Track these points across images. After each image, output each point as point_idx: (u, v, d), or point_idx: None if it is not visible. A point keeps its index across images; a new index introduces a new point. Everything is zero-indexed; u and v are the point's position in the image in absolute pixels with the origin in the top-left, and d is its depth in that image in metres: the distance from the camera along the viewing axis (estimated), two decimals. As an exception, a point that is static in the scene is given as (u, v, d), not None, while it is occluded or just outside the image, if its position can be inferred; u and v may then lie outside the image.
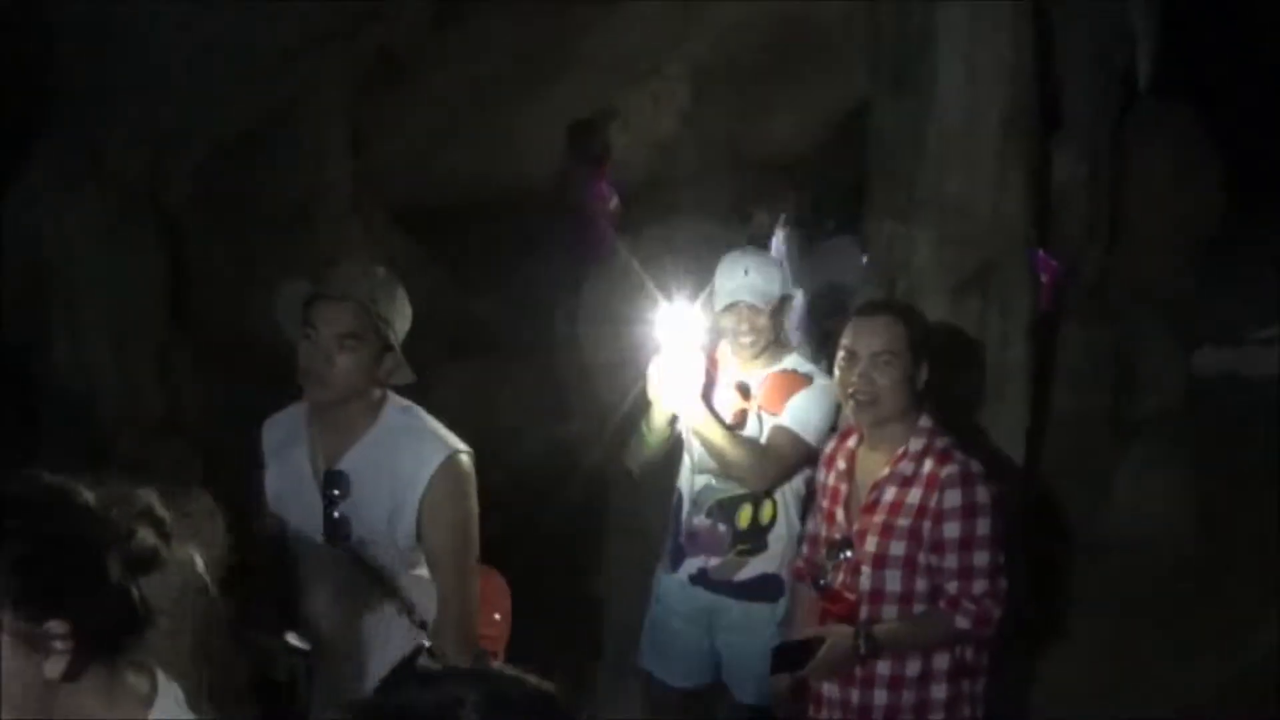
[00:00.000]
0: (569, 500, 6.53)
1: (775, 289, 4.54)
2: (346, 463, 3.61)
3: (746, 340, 4.53)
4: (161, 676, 2.10)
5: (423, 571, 3.68)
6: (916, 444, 3.84)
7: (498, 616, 3.97)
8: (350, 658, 3.67)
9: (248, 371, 6.58)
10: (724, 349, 4.68)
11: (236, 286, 6.84)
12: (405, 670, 1.80)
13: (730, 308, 4.51)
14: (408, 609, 3.67)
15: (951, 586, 3.74)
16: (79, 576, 1.92)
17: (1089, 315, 6.61)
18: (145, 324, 6.26)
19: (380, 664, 3.59)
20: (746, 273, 4.49)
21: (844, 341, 3.94)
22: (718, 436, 4.48)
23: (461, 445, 3.60)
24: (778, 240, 10.16)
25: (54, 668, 1.90)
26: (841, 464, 4.04)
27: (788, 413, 4.50)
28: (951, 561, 3.73)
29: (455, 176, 9.92)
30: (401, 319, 3.60)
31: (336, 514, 3.60)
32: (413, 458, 3.54)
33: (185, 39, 6.11)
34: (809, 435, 4.45)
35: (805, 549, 4.25)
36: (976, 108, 5.36)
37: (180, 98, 6.31)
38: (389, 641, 3.64)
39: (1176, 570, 6.14)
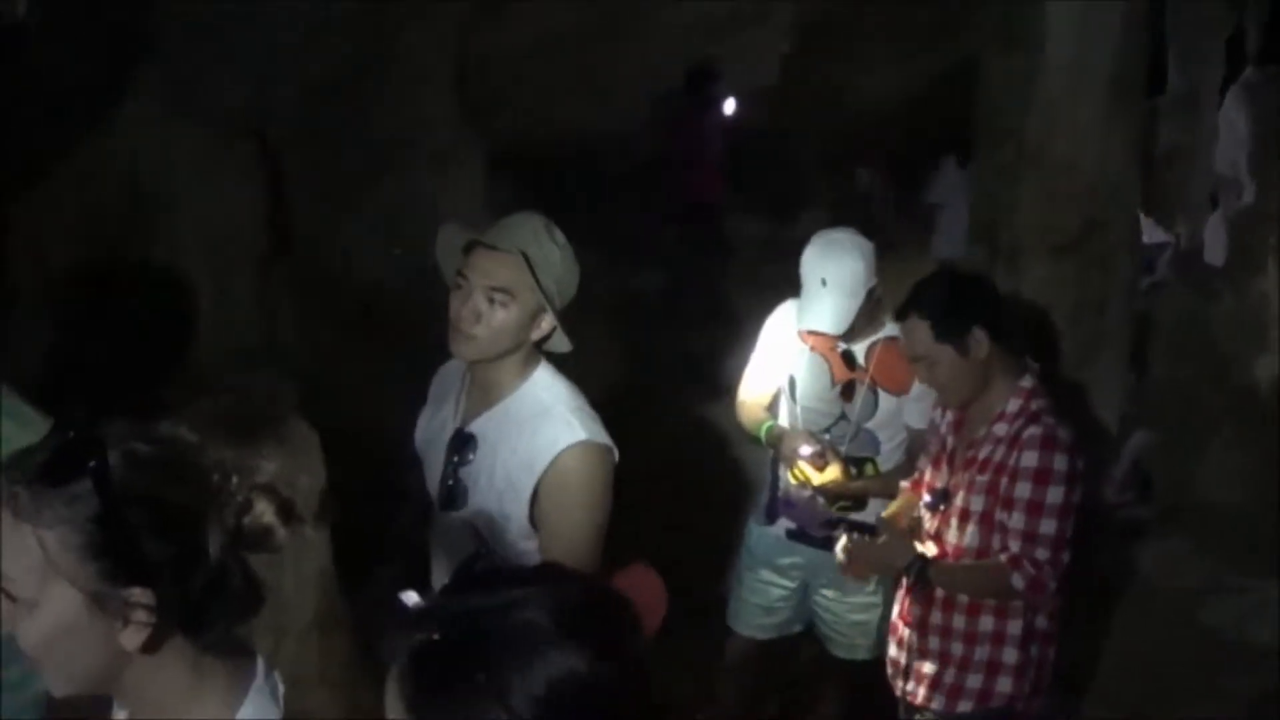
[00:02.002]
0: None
1: (860, 283, 4.32)
2: (478, 426, 3.32)
3: (838, 337, 4.40)
4: (262, 664, 1.93)
5: None
6: (1014, 405, 3.83)
7: None
8: None
9: (346, 305, 6.66)
10: None
11: (335, 220, 6.89)
12: (465, 573, 1.66)
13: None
14: None
15: (1015, 545, 3.73)
16: (171, 544, 1.74)
17: (1188, 283, 6.56)
18: (245, 255, 6.31)
19: None
20: (824, 283, 4.30)
21: None
22: (877, 487, 4.49)
23: (600, 436, 3.21)
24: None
25: (131, 638, 1.74)
26: (950, 415, 4.06)
27: (917, 409, 4.39)
28: (1018, 522, 3.72)
29: (556, 120, 9.93)
30: (564, 282, 3.25)
31: (453, 480, 3.34)
32: (536, 438, 3.18)
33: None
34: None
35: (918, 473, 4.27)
36: (1085, 69, 5.31)
37: (282, 30, 6.33)
38: None
39: (1257, 543, 6.09)
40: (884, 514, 4.30)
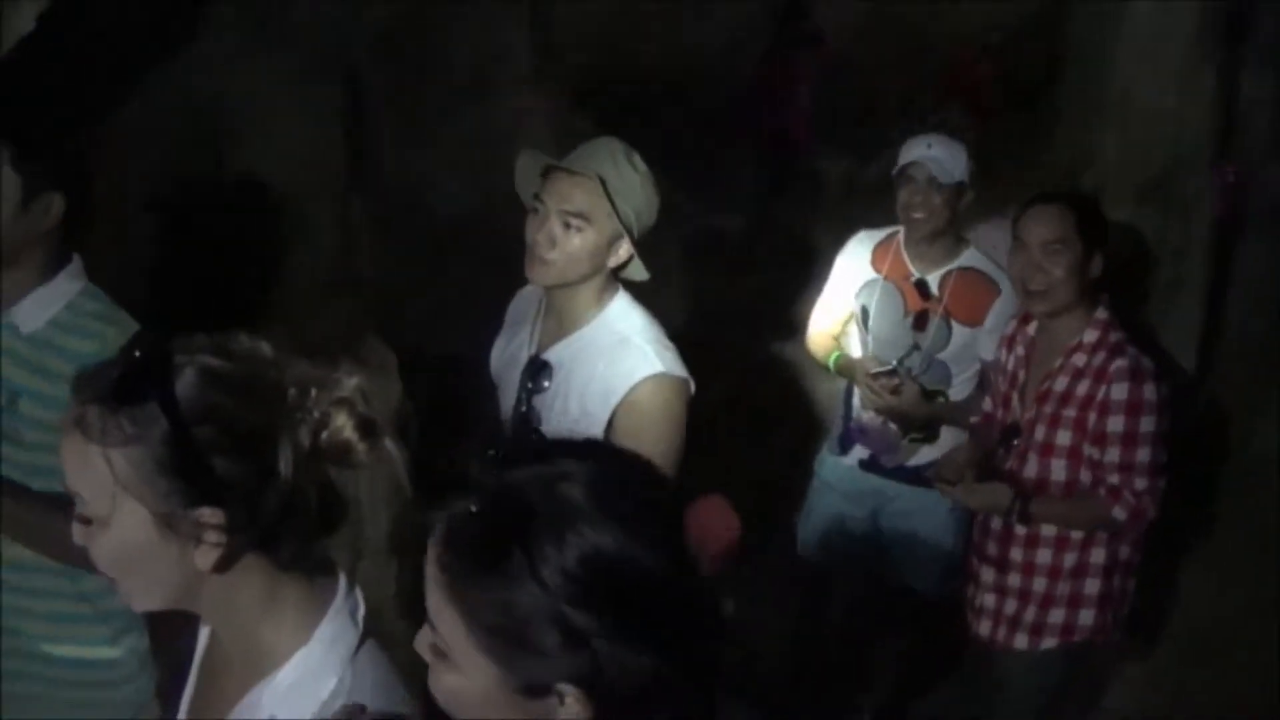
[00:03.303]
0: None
1: (956, 170, 4.30)
2: (554, 353, 3.28)
3: (918, 216, 4.35)
4: (344, 584, 1.91)
5: None
6: (1091, 335, 3.83)
7: None
8: None
9: (423, 234, 6.69)
10: (899, 245, 4.55)
11: (414, 149, 6.91)
12: (515, 447, 1.62)
13: (905, 176, 4.36)
14: None
15: (1113, 478, 3.76)
16: (242, 464, 1.72)
17: (1267, 232, 6.48)
18: (325, 185, 6.34)
19: None
20: (929, 146, 4.29)
21: (1016, 231, 3.91)
22: (948, 414, 4.51)
23: (677, 369, 3.16)
24: None
25: (204, 559, 1.74)
26: (1020, 350, 4.05)
27: (990, 340, 4.35)
28: (1113, 455, 3.75)
29: (639, 55, 9.92)
30: (644, 209, 3.18)
31: (526, 407, 3.31)
32: (612, 368, 3.14)
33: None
34: None
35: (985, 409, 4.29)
36: (1171, 13, 5.28)
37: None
38: None
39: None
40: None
